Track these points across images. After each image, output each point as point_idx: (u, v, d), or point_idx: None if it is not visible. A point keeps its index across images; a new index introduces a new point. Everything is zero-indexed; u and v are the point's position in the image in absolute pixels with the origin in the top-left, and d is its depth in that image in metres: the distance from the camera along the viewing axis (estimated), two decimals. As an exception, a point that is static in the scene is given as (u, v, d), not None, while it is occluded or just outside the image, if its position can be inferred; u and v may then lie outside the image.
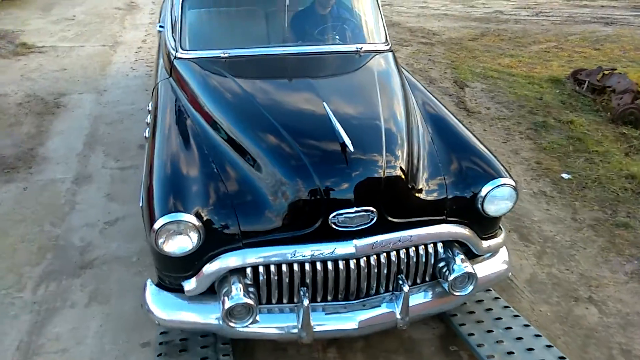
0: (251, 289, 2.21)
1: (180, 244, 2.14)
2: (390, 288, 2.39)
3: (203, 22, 3.48)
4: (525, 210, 3.99)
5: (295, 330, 2.27)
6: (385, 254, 2.29)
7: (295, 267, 2.23)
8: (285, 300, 2.31)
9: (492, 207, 2.42)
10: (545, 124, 5.54)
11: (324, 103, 2.48)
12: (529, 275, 3.32)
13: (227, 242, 2.21)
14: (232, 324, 2.19)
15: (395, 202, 2.29)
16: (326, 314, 2.32)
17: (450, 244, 2.44)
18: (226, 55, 3.09)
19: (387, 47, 3.41)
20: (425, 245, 2.38)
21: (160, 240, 2.12)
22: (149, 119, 3.04)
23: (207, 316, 2.28)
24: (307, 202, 2.20)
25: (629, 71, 6.89)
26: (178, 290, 2.30)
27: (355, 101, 2.71)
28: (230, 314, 2.17)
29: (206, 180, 2.31)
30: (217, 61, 3.07)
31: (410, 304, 2.33)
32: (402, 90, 2.91)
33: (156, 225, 2.10)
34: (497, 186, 2.40)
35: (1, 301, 2.96)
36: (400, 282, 2.34)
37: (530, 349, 2.53)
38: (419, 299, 2.43)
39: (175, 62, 3.17)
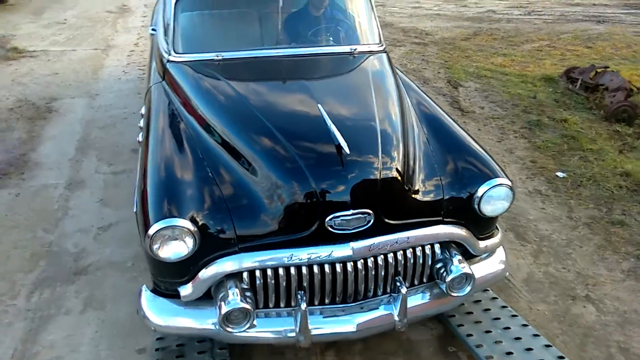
0: (248, 294, 2.19)
1: (176, 250, 2.12)
2: (388, 290, 2.38)
3: (196, 25, 3.45)
4: (521, 209, 3.99)
5: (293, 334, 2.26)
6: (382, 256, 2.28)
7: (292, 270, 2.21)
8: (282, 304, 2.29)
9: (489, 207, 2.42)
10: (539, 122, 5.56)
11: (319, 105, 2.47)
12: (526, 275, 3.31)
13: (223, 246, 2.19)
14: (229, 329, 2.17)
15: (391, 204, 2.28)
16: (324, 317, 2.31)
17: (447, 244, 2.43)
18: (219, 58, 3.07)
19: (381, 48, 3.40)
20: (423, 247, 2.37)
21: (155, 246, 2.10)
22: (142, 122, 3.01)
23: (203, 321, 2.26)
24: (303, 205, 2.19)
25: (622, 69, 6.93)
26: (174, 295, 2.28)
27: (350, 103, 2.70)
28: (227, 319, 2.14)
29: (201, 185, 2.29)
30: (210, 64, 3.05)
31: (408, 306, 2.33)
32: (396, 91, 2.91)
33: (151, 231, 2.08)
34: (494, 186, 2.39)
35: (-6, 309, 2.93)
36: (398, 284, 2.33)
37: (529, 349, 2.52)
38: (417, 300, 2.42)
39: (168, 65, 3.15)
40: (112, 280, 3.15)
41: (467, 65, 7.47)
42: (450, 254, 2.39)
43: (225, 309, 2.10)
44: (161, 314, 2.29)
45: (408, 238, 2.30)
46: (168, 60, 3.17)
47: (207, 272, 2.19)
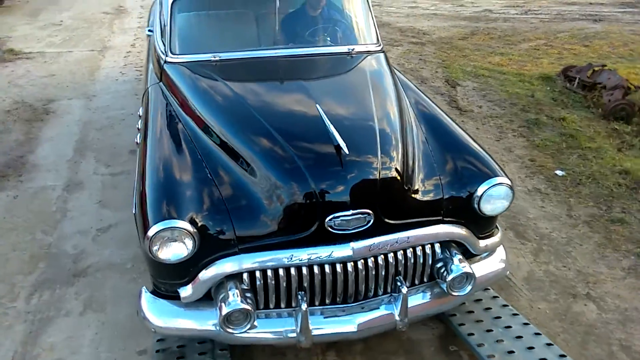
0: (248, 294, 2.18)
1: (175, 251, 2.11)
2: (389, 290, 2.37)
3: (193, 26, 3.44)
4: (521, 207, 3.99)
5: (294, 335, 2.25)
6: (382, 256, 2.27)
7: (293, 271, 2.20)
8: (283, 305, 2.29)
9: (489, 207, 2.41)
10: (538, 121, 5.56)
11: (317, 105, 2.46)
12: (526, 273, 3.31)
13: (222, 247, 2.18)
14: (229, 330, 2.17)
15: (391, 204, 2.27)
16: (324, 317, 2.30)
17: (447, 244, 2.42)
18: (217, 58, 3.06)
19: (379, 48, 3.39)
20: (423, 246, 2.36)
21: (155, 248, 2.09)
22: (139, 124, 3.00)
23: (204, 322, 2.25)
24: (302, 205, 2.18)
25: (619, 67, 6.94)
26: (174, 297, 2.27)
27: (348, 103, 2.70)
28: (227, 320, 2.14)
29: (200, 186, 2.28)
30: (207, 65, 3.04)
31: (409, 305, 2.32)
32: (395, 91, 2.90)
33: (150, 233, 2.07)
34: (493, 185, 2.39)
35: (-7, 312, 2.92)
36: (399, 283, 2.32)
37: (531, 348, 2.52)
38: (418, 300, 2.42)
39: (165, 66, 3.14)
40: (111, 281, 3.13)
41: (464, 64, 7.47)
42: (450, 254, 2.39)
43: (225, 310, 2.09)
44: (161, 316, 2.28)
45: (408, 238, 2.29)
46: (165, 62, 3.16)
47: (207, 274, 2.18)
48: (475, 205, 2.40)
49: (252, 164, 2.32)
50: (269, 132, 2.39)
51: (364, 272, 2.25)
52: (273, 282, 2.21)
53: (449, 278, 2.32)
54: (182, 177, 2.34)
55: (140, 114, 3.09)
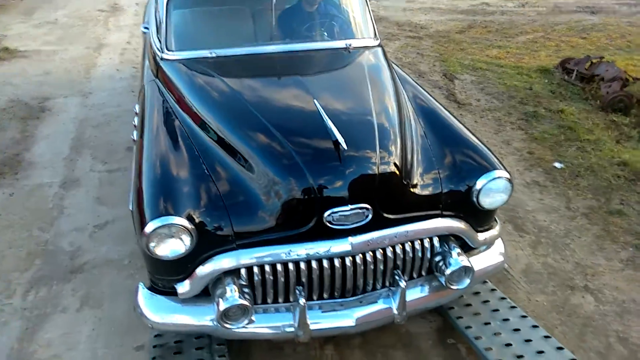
0: (246, 290, 2.18)
1: (173, 248, 2.10)
2: (387, 284, 2.37)
3: (188, 22, 3.42)
4: (519, 200, 3.99)
5: (292, 329, 2.25)
6: (381, 251, 2.27)
7: (291, 266, 2.20)
8: (281, 300, 2.28)
9: (488, 200, 2.41)
10: (536, 113, 5.55)
11: (315, 100, 2.45)
12: (524, 266, 3.31)
13: (220, 243, 2.17)
14: (227, 326, 2.17)
15: (390, 199, 2.26)
16: (323, 312, 2.30)
17: (446, 237, 2.42)
18: (213, 55, 3.04)
19: (377, 43, 3.38)
20: (421, 240, 2.36)
21: (152, 244, 2.08)
22: (136, 121, 2.99)
23: (201, 318, 2.25)
24: (301, 201, 2.17)
25: (617, 59, 6.93)
26: (171, 293, 2.26)
27: (346, 98, 2.68)
28: (225, 315, 2.14)
29: (197, 182, 2.27)
30: (204, 61, 3.02)
31: (407, 299, 2.32)
32: (393, 85, 2.89)
33: (147, 229, 2.06)
34: (492, 179, 2.38)
35: (-10, 309, 2.91)
36: (397, 277, 2.32)
37: (528, 340, 2.52)
38: (416, 293, 2.42)
39: (161, 63, 3.12)
40: (108, 278, 3.13)
41: (462, 57, 7.45)
42: (449, 247, 2.38)
43: (223, 305, 2.09)
44: (158, 312, 2.27)
45: (407, 232, 2.29)
46: (161, 58, 3.14)
47: (205, 269, 2.17)
48: (474, 199, 2.40)
49: (250, 159, 2.31)
50: (267, 128, 2.38)
51: (362, 267, 2.25)
52: (271, 277, 2.21)
53: (448, 272, 2.31)
54: (179, 173, 2.32)
55: (137, 111, 3.07)
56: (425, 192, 2.40)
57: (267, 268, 2.19)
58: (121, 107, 5.45)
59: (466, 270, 2.35)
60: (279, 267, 2.19)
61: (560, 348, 2.47)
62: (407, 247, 2.33)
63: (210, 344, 2.49)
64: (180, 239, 2.10)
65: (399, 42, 8.20)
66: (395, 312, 2.31)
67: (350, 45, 3.26)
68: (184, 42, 3.20)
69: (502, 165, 2.48)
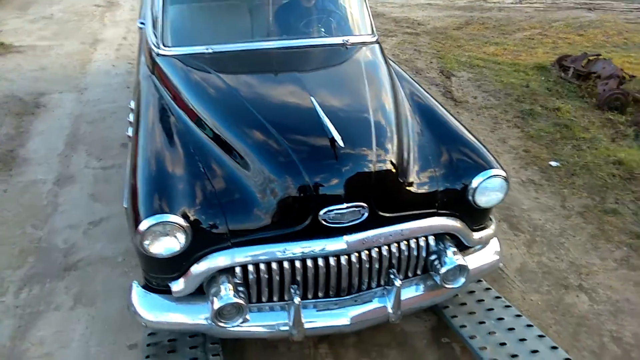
0: (241, 288, 2.17)
1: (167, 246, 2.09)
2: (382, 283, 2.36)
3: (185, 18, 3.39)
4: (515, 199, 3.99)
5: (286, 328, 2.24)
6: (376, 249, 2.26)
7: (286, 264, 2.19)
8: (275, 298, 2.28)
9: (483, 199, 2.40)
10: (532, 111, 5.55)
11: (312, 97, 2.44)
12: (519, 265, 3.31)
13: (215, 241, 2.16)
14: (222, 324, 2.16)
15: (386, 197, 2.25)
16: (317, 310, 2.29)
17: (441, 236, 2.41)
18: (210, 51, 3.01)
19: (374, 39, 3.36)
20: (417, 239, 2.35)
21: (146, 242, 2.07)
22: (131, 117, 2.97)
23: (195, 317, 2.24)
24: (296, 199, 2.16)
25: (614, 56, 6.94)
26: (165, 291, 2.25)
27: (343, 95, 2.67)
28: (219, 314, 2.13)
29: (192, 179, 2.25)
30: (200, 57, 2.99)
31: (402, 298, 2.32)
32: (390, 82, 2.87)
33: (141, 227, 2.04)
34: (488, 177, 2.37)
35: (-17, 307, 2.89)
36: (392, 276, 2.31)
37: (523, 339, 2.52)
38: (411, 292, 2.41)
39: (157, 59, 3.09)
40: (102, 275, 3.11)
41: (459, 54, 7.44)
42: (444, 246, 2.38)
43: (217, 304, 2.08)
44: (152, 310, 2.26)
45: (402, 230, 2.28)
46: (157, 54, 3.11)
47: (199, 268, 2.16)
48: (470, 198, 2.39)
49: (246, 157, 2.29)
50: (263, 125, 2.36)
51: (357, 265, 2.24)
52: (266, 275, 2.20)
53: (443, 270, 2.31)
54: (175, 170, 2.30)
55: (132, 107, 3.05)
56: (421, 191, 2.39)
57: (262, 266, 2.18)
58: (116, 103, 5.41)
59: (461, 269, 2.34)
60: (274, 265, 2.18)
61: (554, 347, 2.48)
62: (403, 245, 2.32)
63: (205, 342, 2.48)
64: (175, 237, 2.08)
65: (396, 39, 8.18)
66: (390, 311, 2.30)
67: (347, 41, 3.24)
68: (180, 37, 3.17)
69: (498, 163, 2.48)
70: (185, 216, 2.10)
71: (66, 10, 9.40)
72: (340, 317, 2.27)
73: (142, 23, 3.81)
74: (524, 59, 7.32)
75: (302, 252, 2.17)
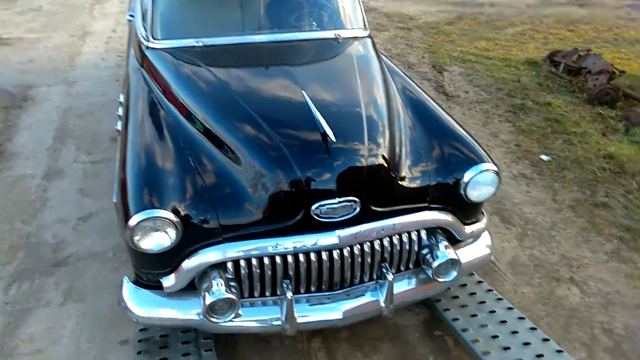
0: (232, 283, 2.16)
1: (157, 241, 2.07)
2: (374, 277, 2.36)
3: (175, 10, 3.34)
4: (506, 192, 4.00)
5: (279, 323, 2.24)
6: (368, 243, 2.26)
7: (278, 259, 2.18)
8: (268, 293, 2.26)
9: (475, 193, 2.41)
10: (524, 106, 5.57)
11: (303, 92, 2.42)
12: (510, 258, 3.33)
13: (206, 237, 2.14)
14: (213, 320, 2.15)
15: (378, 191, 2.25)
16: (310, 305, 2.29)
17: (433, 230, 2.42)
18: (200, 44, 2.98)
19: (366, 33, 3.34)
20: (409, 233, 2.35)
21: (136, 238, 2.05)
22: (120, 111, 2.93)
23: (187, 312, 2.23)
24: (288, 193, 2.15)
25: (604, 52, 6.97)
26: (156, 287, 2.23)
27: (335, 89, 2.66)
28: (211, 309, 2.11)
29: (182, 174, 2.23)
30: (190, 50, 2.96)
31: (395, 292, 2.32)
32: (382, 77, 2.87)
33: (131, 223, 2.02)
34: (480, 172, 2.38)
35: (-29, 304, 2.85)
36: (384, 270, 2.31)
37: (515, 332, 2.54)
38: (403, 286, 2.42)
39: (146, 52, 3.06)
40: (92, 271, 3.08)
41: (451, 49, 7.44)
42: (436, 240, 2.38)
43: (209, 299, 2.07)
44: (143, 306, 2.24)
45: (394, 225, 2.28)
46: (147, 47, 3.08)
47: (191, 263, 2.15)
48: (462, 192, 2.39)
49: (237, 151, 2.28)
50: (254, 119, 2.34)
51: (349, 260, 2.24)
52: (258, 270, 2.19)
53: (435, 264, 2.31)
54: (165, 165, 2.28)
55: (121, 101, 3.02)
56: (413, 185, 2.39)
57: (254, 261, 2.17)
58: (106, 96, 5.35)
59: (453, 262, 2.35)
60: (265, 260, 2.17)
61: (546, 339, 2.50)
62: (395, 239, 2.32)
63: (197, 338, 2.47)
64: (166, 232, 2.07)
65: (388, 33, 8.16)
66: (383, 304, 2.31)
67: (339, 35, 3.22)
68: (170, 30, 3.14)
69: (490, 158, 2.48)
70: (175, 211, 2.08)
71: (55, 2, 9.26)
72: (332, 311, 2.27)
73: (131, 15, 3.77)
74: (515, 54, 7.34)
75: (294, 247, 2.16)
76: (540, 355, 2.41)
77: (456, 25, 8.86)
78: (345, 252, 2.22)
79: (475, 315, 2.65)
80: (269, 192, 2.16)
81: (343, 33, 3.26)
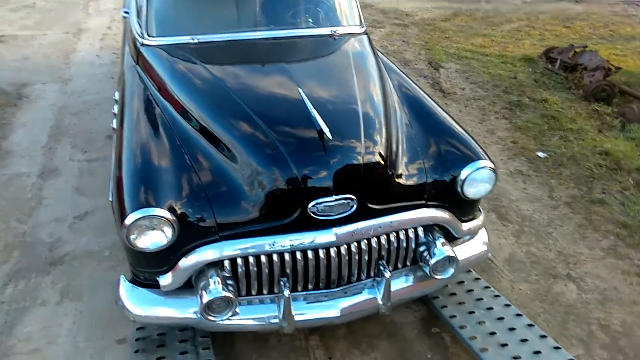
0: (230, 282, 2.15)
1: (154, 240, 2.06)
2: (372, 274, 2.36)
3: (170, 7, 3.32)
4: (503, 189, 4.00)
5: (277, 321, 2.23)
6: (365, 241, 2.25)
7: (275, 257, 2.17)
8: (265, 291, 2.26)
9: (472, 190, 2.40)
10: (520, 103, 5.57)
11: (299, 89, 2.41)
12: (508, 255, 3.33)
13: (203, 235, 2.13)
14: (211, 318, 2.14)
15: (375, 189, 2.24)
16: (307, 303, 2.28)
17: (430, 228, 2.42)
18: (195, 41, 2.97)
19: (362, 30, 3.33)
20: (406, 231, 2.35)
21: (132, 236, 2.04)
22: (115, 108, 2.92)
23: (184, 310, 2.22)
24: (285, 191, 2.14)
25: (600, 48, 6.98)
26: (153, 285, 2.22)
27: (331, 86, 2.65)
28: (209, 308, 2.11)
29: (178, 172, 2.22)
30: (185, 48, 2.95)
31: (392, 289, 2.32)
32: (378, 74, 2.86)
33: (127, 221, 2.01)
34: (477, 169, 2.37)
35: (-33, 303, 2.84)
36: (382, 268, 2.31)
37: (512, 329, 2.54)
38: (401, 283, 2.41)
39: (141, 49, 3.04)
40: (89, 270, 3.07)
41: (447, 46, 7.44)
42: (433, 237, 2.38)
43: (206, 298, 2.06)
44: (140, 304, 2.23)
45: (391, 222, 2.27)
46: (142, 44, 3.06)
47: (188, 261, 2.14)
48: (459, 189, 2.39)
49: (233, 149, 2.26)
50: (250, 117, 2.33)
51: (347, 257, 2.23)
52: (255, 269, 2.18)
53: (432, 261, 2.31)
54: (161, 163, 2.27)
55: (117, 98, 3.00)
56: (410, 182, 2.38)
57: (251, 260, 2.17)
58: (101, 94, 5.33)
59: (450, 260, 2.35)
60: (263, 258, 2.17)
61: (543, 336, 2.50)
62: (392, 237, 2.32)
63: (194, 336, 2.47)
64: (162, 230, 2.05)
65: (384, 30, 8.14)
66: (380, 302, 2.30)
67: (335, 32, 3.21)
68: (165, 27, 3.12)
69: (487, 155, 2.48)
70: (171, 209, 2.07)
71: None
72: (330, 309, 2.27)
73: (126, 12, 3.75)
74: (512, 51, 7.34)
75: (291, 245, 2.15)
76: (538, 352, 2.41)
77: (452, 21, 8.85)
78: (343, 249, 2.21)
79: (473, 312, 2.65)
80: (265, 190, 2.15)
81: (339, 30, 3.24)
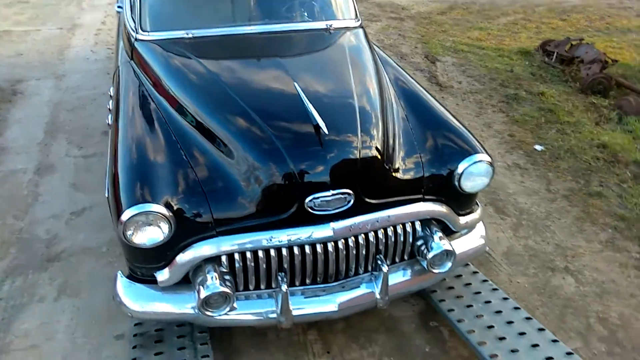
0: (227, 277, 2.14)
1: (150, 235, 2.05)
2: (369, 268, 2.36)
3: (164, 2, 3.30)
4: (500, 183, 4.00)
5: (274, 315, 2.23)
6: (363, 235, 2.25)
7: (272, 252, 2.17)
8: (263, 286, 2.25)
9: (469, 184, 2.40)
10: (517, 96, 5.57)
11: (295, 83, 2.40)
12: (505, 248, 3.34)
13: (199, 230, 2.13)
14: (208, 313, 2.14)
15: (372, 183, 2.24)
16: (305, 297, 2.28)
17: (428, 221, 2.41)
18: (190, 36, 2.95)
19: (358, 24, 3.32)
20: (403, 225, 2.34)
21: (129, 232, 2.03)
22: (111, 104, 2.90)
23: (182, 306, 2.21)
24: (281, 186, 2.13)
25: (596, 41, 6.98)
26: (151, 281, 2.22)
27: (327, 80, 2.63)
28: (206, 303, 2.10)
29: (175, 168, 2.21)
30: (180, 42, 2.93)
31: (390, 283, 2.31)
32: (374, 67, 2.85)
33: (124, 217, 2.00)
34: (474, 162, 2.37)
35: (-36, 301, 2.83)
36: (379, 262, 2.31)
37: (510, 322, 2.55)
38: (398, 277, 2.41)
39: (136, 44, 3.02)
40: (86, 266, 3.06)
41: (444, 39, 7.42)
42: (430, 231, 2.38)
43: (204, 293, 2.06)
44: (138, 300, 2.22)
45: (389, 217, 2.27)
46: (136, 39, 3.04)
47: (185, 257, 2.13)
48: (456, 183, 2.39)
49: (229, 144, 2.25)
50: (246, 112, 2.32)
51: (344, 252, 2.23)
52: (252, 264, 2.18)
53: (430, 255, 2.31)
54: (156, 158, 2.26)
55: (112, 94, 2.98)
56: (407, 177, 2.38)
57: (248, 255, 2.16)
58: (96, 89, 5.31)
59: (448, 253, 2.35)
60: (260, 253, 2.16)
61: (541, 329, 2.50)
62: (389, 231, 2.31)
63: (192, 331, 2.47)
64: (159, 226, 2.05)
65: (380, 24, 8.12)
66: (378, 296, 2.30)
67: (331, 26, 3.19)
68: (159, 22, 3.09)
69: (484, 148, 2.47)
70: (168, 205, 2.06)
71: (43, -5, 9.15)
72: (328, 303, 2.27)
73: (119, 7, 3.73)
74: (508, 44, 7.33)
75: (289, 240, 2.15)
76: (536, 345, 2.42)
77: (448, 15, 8.84)
78: (340, 244, 2.21)
79: (471, 305, 2.66)
80: (262, 185, 2.14)
81: (335, 23, 3.23)
